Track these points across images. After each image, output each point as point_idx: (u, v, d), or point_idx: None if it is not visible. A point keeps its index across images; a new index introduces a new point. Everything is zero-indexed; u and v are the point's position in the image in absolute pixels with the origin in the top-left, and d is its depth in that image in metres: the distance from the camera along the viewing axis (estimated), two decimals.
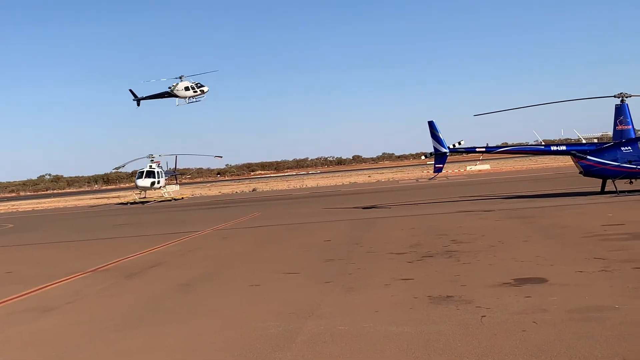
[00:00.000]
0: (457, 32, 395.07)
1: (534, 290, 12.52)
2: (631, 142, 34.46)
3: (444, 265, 16.41)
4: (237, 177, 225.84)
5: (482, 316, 10.82)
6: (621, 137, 35.06)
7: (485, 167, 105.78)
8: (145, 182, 76.46)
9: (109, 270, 20.24)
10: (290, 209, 44.62)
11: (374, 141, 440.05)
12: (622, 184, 34.74)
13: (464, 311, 11.28)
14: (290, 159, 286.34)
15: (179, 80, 78.59)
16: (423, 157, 49.21)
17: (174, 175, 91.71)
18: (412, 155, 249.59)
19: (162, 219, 46.47)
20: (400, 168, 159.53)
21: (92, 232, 37.72)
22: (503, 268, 15.24)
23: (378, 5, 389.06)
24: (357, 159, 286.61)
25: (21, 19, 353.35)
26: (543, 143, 39.44)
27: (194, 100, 79.45)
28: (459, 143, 38.03)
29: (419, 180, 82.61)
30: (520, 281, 13.50)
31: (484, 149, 38.85)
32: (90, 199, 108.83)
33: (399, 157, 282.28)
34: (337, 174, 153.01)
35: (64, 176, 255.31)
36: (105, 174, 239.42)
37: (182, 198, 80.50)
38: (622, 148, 34.25)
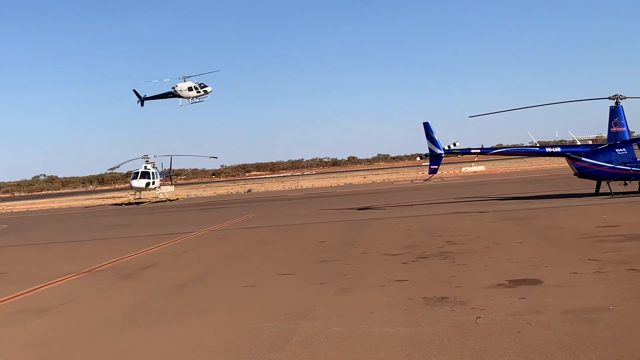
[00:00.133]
0: (453, 33, 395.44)
1: (529, 292, 12.54)
2: (625, 144, 34.56)
3: (438, 266, 16.43)
4: (232, 178, 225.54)
5: (477, 317, 10.83)
6: (616, 138, 35.15)
7: (480, 168, 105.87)
8: (140, 182, 76.34)
9: (104, 271, 20.21)
10: (285, 210, 44.62)
11: (369, 142, 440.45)
12: (616, 186, 34.82)
13: (458, 312, 11.29)
14: (286, 160, 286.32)
15: (182, 80, 78.45)
16: (418, 159, 49.24)
17: (169, 176, 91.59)
18: (407, 156, 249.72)
19: (157, 219, 46.42)
20: (395, 169, 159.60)
21: (86, 233, 37.66)
22: (498, 269, 15.26)
23: (375, 6, 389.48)
24: (352, 160, 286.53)
25: (13, 18, 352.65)
26: (538, 144, 39.49)
27: (198, 100, 79.38)
28: (454, 144, 38.11)
29: (414, 181, 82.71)
30: (515, 282, 13.52)
31: (479, 151, 38.91)
32: (85, 199, 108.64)
33: (394, 158, 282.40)
34: (332, 175, 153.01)
35: (59, 177, 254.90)
36: (100, 175, 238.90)
37: (177, 199, 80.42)
38: (617, 150, 34.33)
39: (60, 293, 16.75)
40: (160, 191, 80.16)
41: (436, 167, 38.68)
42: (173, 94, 78.83)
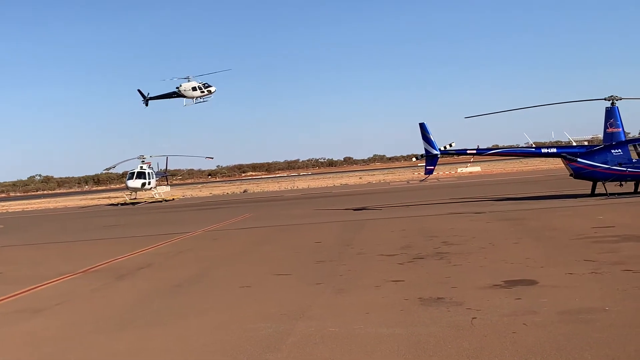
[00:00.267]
0: (448, 34, 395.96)
1: (525, 292, 12.55)
2: (621, 144, 34.62)
3: (434, 267, 16.44)
4: (228, 178, 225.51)
5: (473, 318, 10.85)
6: (611, 139, 35.21)
7: (476, 169, 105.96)
8: (136, 183, 76.22)
9: (100, 271, 20.18)
10: (281, 211, 44.60)
11: (365, 143, 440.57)
12: (612, 187, 34.88)
13: (454, 313, 11.30)
14: (282, 160, 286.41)
15: (187, 80, 78.31)
16: (414, 159, 49.26)
17: (164, 176, 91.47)
18: (403, 157, 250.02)
19: (152, 220, 46.37)
20: (391, 170, 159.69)
21: (82, 233, 37.60)
22: (494, 270, 15.27)
23: (372, 7, 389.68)
24: (348, 161, 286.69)
25: (9, 18, 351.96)
26: (534, 145, 39.56)
27: (202, 100, 79.22)
28: (450, 145, 38.11)
29: (410, 182, 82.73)
30: (511, 283, 13.54)
31: (474, 151, 38.93)
32: (81, 199, 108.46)
33: (390, 158, 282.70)
34: (328, 175, 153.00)
35: (54, 177, 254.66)
36: (96, 175, 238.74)
37: (173, 199, 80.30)
38: (613, 151, 34.38)
39: (56, 293, 16.73)
40: (156, 191, 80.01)
41: (432, 167, 38.70)
42: (177, 94, 78.71)
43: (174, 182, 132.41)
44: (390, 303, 12.50)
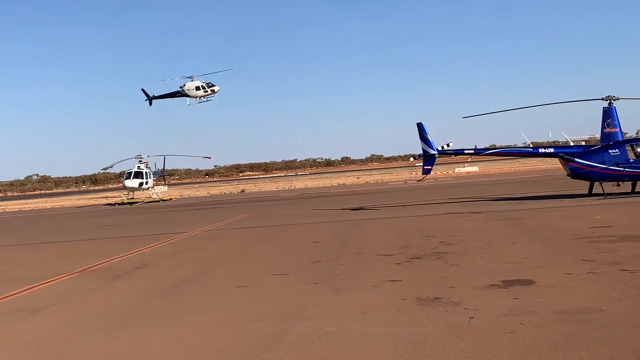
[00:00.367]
0: (446, 34, 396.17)
1: (522, 292, 12.55)
2: (618, 144, 34.66)
3: (432, 266, 16.44)
4: (225, 178, 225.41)
5: (470, 318, 10.84)
6: (609, 139, 35.25)
7: (474, 169, 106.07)
8: (133, 182, 76.18)
9: (97, 271, 20.16)
10: (279, 210, 44.59)
11: (362, 143, 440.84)
12: (609, 187, 34.91)
13: (452, 313, 11.30)
14: (279, 160, 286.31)
15: (190, 79, 78.28)
16: (412, 159, 49.32)
17: (162, 176, 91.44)
18: (400, 157, 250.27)
19: (150, 219, 46.33)
20: (388, 169, 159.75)
21: (79, 233, 37.56)
22: (491, 270, 15.28)
23: (370, 6, 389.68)
24: (345, 161, 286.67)
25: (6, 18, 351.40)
26: (531, 145, 39.54)
27: (205, 100, 79.26)
28: (448, 145, 38.17)
29: (408, 181, 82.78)
30: (508, 283, 13.54)
31: (472, 151, 38.97)
32: (78, 199, 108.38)
33: (387, 158, 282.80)
34: (326, 175, 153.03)
35: (52, 177, 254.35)
36: (93, 175, 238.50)
37: (171, 199, 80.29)
38: (610, 151, 34.42)
39: (53, 293, 16.70)
40: (153, 191, 79.99)
41: (430, 167, 38.75)
42: (181, 93, 78.74)
43: (172, 181, 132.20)
44: (387, 303, 12.50)
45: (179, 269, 19.34)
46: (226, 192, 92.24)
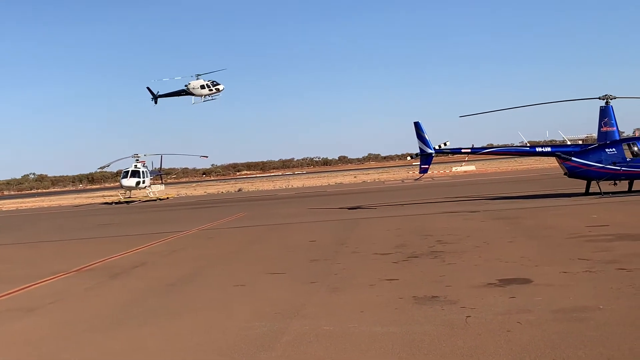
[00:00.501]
0: (443, 33, 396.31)
1: (519, 291, 12.56)
2: (615, 143, 34.69)
3: (429, 265, 16.44)
4: (222, 177, 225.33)
5: (467, 316, 10.84)
6: (606, 138, 35.29)
7: (471, 168, 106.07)
8: (130, 181, 76.13)
9: (94, 270, 20.13)
10: (276, 209, 44.57)
11: (360, 142, 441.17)
12: (606, 186, 34.95)
13: (448, 311, 11.30)
14: (276, 159, 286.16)
15: (195, 78, 78.24)
16: (409, 158, 49.41)
17: (159, 175, 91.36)
18: (397, 156, 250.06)
19: (147, 218, 46.30)
20: (386, 169, 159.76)
21: (76, 232, 37.51)
22: (488, 269, 15.28)
23: (366, 5, 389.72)
24: (343, 160, 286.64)
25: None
26: (528, 144, 39.61)
27: (210, 98, 79.17)
28: (445, 144, 38.16)
29: (405, 181, 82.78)
30: (505, 282, 13.54)
31: (469, 150, 39.00)
32: (75, 198, 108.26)
33: (384, 157, 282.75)
34: (323, 174, 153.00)
35: (48, 175, 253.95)
36: (90, 174, 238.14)
37: (168, 198, 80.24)
38: (607, 150, 34.45)
39: (49, 292, 16.67)
40: (150, 190, 79.91)
41: (427, 166, 38.73)
42: (186, 92, 78.71)
43: (169, 180, 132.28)
44: (384, 302, 12.49)
45: (176, 268, 19.32)
46: (223, 191, 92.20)
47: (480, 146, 41.22)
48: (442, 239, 21.46)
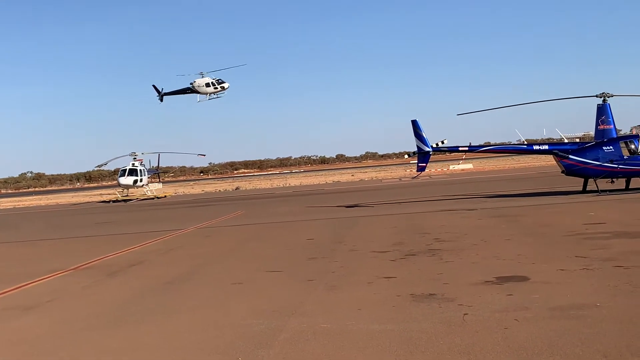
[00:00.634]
0: (440, 32, 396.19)
1: (516, 289, 12.57)
2: (613, 141, 34.72)
3: (426, 263, 16.45)
4: (220, 176, 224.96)
5: (465, 314, 10.86)
6: (603, 136, 35.31)
7: (468, 166, 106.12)
8: (127, 180, 76.06)
9: (91, 269, 20.12)
10: (273, 208, 44.57)
11: (357, 140, 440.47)
12: (603, 183, 34.98)
13: (446, 309, 11.31)
14: (274, 158, 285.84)
15: (200, 76, 78.25)
16: (406, 156, 49.48)
17: (156, 173, 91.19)
18: (395, 154, 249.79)
19: (144, 217, 46.27)
20: (383, 167, 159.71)
21: (73, 230, 37.49)
22: (485, 266, 15.30)
23: (364, 5, 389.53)
24: (340, 158, 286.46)
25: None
26: (525, 142, 39.70)
27: (215, 96, 79.29)
28: (442, 142, 38.19)
29: (402, 179, 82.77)
30: (503, 279, 13.56)
31: (466, 148, 39.00)
32: (72, 196, 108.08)
33: (382, 156, 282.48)
34: (321, 172, 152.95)
35: (46, 174, 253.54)
36: (88, 172, 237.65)
37: (165, 196, 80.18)
38: (604, 147, 34.48)
39: (47, 290, 16.66)
40: (147, 188, 79.82)
41: (424, 164, 38.76)
42: (191, 90, 78.77)
43: (166, 179, 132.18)
44: (382, 299, 12.50)
45: (173, 267, 19.31)
46: (221, 190, 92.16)
47: (477, 144, 41.25)
48: (439, 236, 21.47)
